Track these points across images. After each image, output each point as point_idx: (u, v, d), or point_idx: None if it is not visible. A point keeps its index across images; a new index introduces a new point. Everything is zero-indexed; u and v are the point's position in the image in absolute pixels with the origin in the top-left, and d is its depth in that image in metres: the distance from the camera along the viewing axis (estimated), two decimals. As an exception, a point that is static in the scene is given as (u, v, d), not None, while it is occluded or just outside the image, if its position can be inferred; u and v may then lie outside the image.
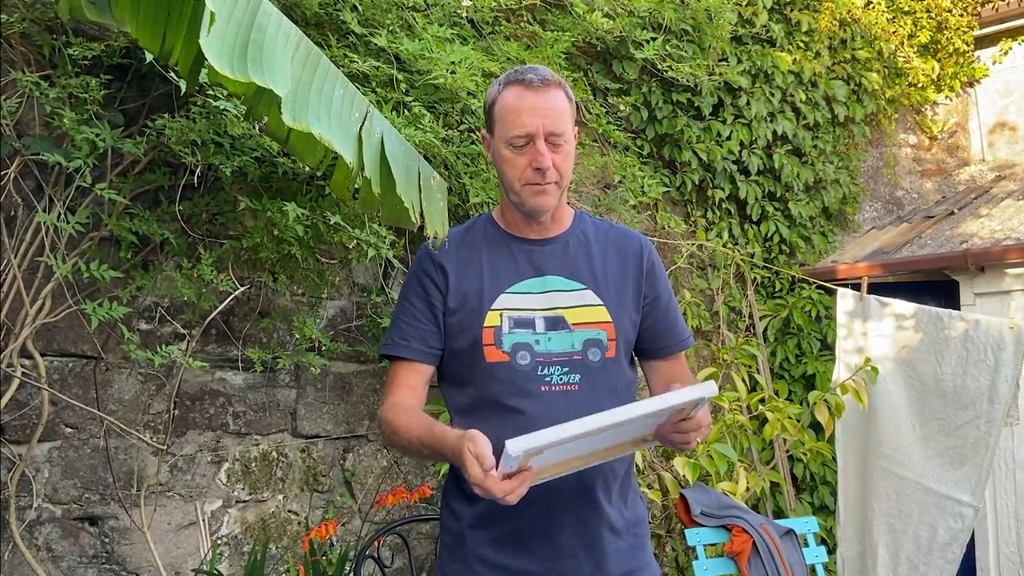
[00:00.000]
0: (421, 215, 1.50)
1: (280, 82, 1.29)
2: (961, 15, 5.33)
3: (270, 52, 1.31)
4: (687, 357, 1.85)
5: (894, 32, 5.06)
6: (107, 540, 2.47)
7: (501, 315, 1.51)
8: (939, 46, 5.30)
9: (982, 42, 5.44)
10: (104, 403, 2.46)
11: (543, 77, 1.49)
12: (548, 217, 1.57)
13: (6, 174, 2.21)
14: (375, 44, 2.69)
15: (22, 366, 2.24)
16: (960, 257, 4.04)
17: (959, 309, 4.01)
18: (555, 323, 1.52)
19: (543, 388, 1.49)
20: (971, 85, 5.50)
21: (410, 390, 1.54)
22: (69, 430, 2.42)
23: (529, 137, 1.47)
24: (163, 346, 2.36)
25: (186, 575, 2.58)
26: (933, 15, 5.23)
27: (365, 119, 1.46)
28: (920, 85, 5.19)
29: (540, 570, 1.46)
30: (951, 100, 5.44)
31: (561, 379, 1.50)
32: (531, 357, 1.50)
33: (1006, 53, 5.40)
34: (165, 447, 2.53)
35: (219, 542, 2.66)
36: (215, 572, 2.43)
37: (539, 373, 1.50)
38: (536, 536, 1.48)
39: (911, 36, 5.15)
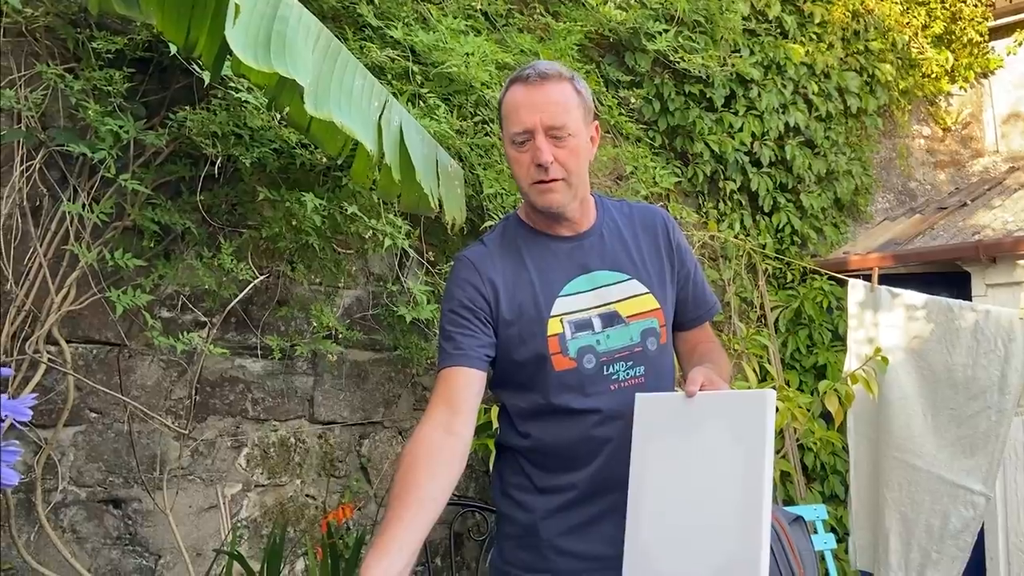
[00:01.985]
0: (440, 202, 1.53)
1: (302, 72, 1.33)
2: (975, 5, 5.30)
3: (292, 43, 1.35)
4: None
5: (908, 23, 5.05)
6: (130, 522, 2.52)
7: (562, 321, 1.49)
8: (953, 37, 5.27)
9: (996, 33, 5.41)
10: (127, 389, 2.51)
11: (542, 72, 1.45)
12: (576, 213, 1.54)
13: (32, 165, 2.26)
14: (391, 36, 2.73)
15: (48, 352, 2.29)
16: (972, 248, 4.04)
17: (971, 300, 4.01)
18: (610, 319, 1.51)
19: (612, 387, 1.49)
20: (985, 76, 5.47)
21: (449, 409, 1.42)
22: (93, 415, 2.48)
23: (528, 133, 1.44)
24: (184, 333, 2.41)
25: (207, 556, 2.63)
26: (947, 5, 5.20)
27: (384, 108, 1.50)
28: (934, 76, 5.17)
29: (614, 553, 1.44)
30: (965, 91, 5.42)
31: (627, 374, 1.50)
32: (596, 359, 1.49)
33: (1020, 44, 5.37)
34: (186, 432, 2.59)
35: (239, 525, 2.72)
36: (235, 553, 2.48)
37: (605, 373, 1.50)
38: (607, 522, 1.49)
39: (925, 27, 5.13)
